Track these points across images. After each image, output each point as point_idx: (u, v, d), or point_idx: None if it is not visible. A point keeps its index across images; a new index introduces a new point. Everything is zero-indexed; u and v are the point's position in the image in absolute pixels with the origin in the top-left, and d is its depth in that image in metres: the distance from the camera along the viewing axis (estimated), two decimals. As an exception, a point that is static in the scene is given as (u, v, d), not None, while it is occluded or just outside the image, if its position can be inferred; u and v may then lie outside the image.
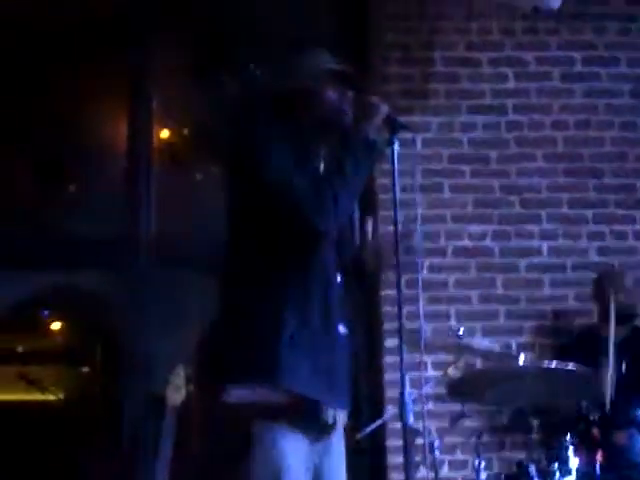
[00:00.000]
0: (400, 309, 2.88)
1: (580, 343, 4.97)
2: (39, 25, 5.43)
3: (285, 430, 2.76)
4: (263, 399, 2.75)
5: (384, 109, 2.92)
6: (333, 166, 2.84)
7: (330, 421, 2.86)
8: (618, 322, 4.86)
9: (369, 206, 4.93)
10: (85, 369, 8.30)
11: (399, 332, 2.85)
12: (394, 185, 2.87)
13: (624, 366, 4.63)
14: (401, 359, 2.85)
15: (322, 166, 2.94)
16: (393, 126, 2.93)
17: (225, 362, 2.81)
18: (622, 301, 4.88)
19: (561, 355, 4.85)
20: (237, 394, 2.76)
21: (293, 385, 2.77)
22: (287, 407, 2.76)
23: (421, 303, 3.07)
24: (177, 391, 4.60)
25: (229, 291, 2.88)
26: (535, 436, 5.03)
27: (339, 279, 2.94)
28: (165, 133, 5.65)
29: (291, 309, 2.80)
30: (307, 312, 2.82)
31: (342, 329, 2.91)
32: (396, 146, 2.89)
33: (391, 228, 2.85)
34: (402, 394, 2.77)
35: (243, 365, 2.77)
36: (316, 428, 2.84)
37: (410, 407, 2.79)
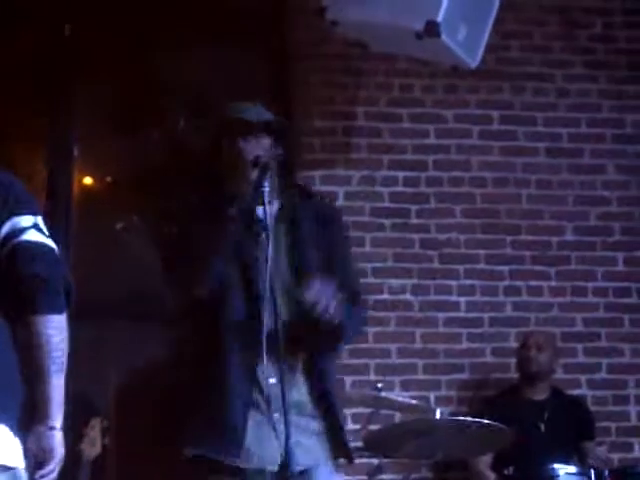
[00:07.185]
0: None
1: (502, 399, 5.01)
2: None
3: None
4: None
5: (249, 155, 2.93)
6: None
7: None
8: (539, 382, 4.94)
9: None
10: None
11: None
12: (265, 231, 2.88)
13: (543, 425, 4.68)
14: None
15: None
16: (261, 167, 2.92)
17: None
18: (544, 362, 4.96)
19: (482, 409, 4.88)
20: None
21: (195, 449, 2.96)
22: None
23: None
24: (92, 444, 4.52)
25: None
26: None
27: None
28: (86, 180, 5.60)
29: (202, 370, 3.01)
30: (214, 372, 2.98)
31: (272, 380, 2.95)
32: (266, 187, 2.88)
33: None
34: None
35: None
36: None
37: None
